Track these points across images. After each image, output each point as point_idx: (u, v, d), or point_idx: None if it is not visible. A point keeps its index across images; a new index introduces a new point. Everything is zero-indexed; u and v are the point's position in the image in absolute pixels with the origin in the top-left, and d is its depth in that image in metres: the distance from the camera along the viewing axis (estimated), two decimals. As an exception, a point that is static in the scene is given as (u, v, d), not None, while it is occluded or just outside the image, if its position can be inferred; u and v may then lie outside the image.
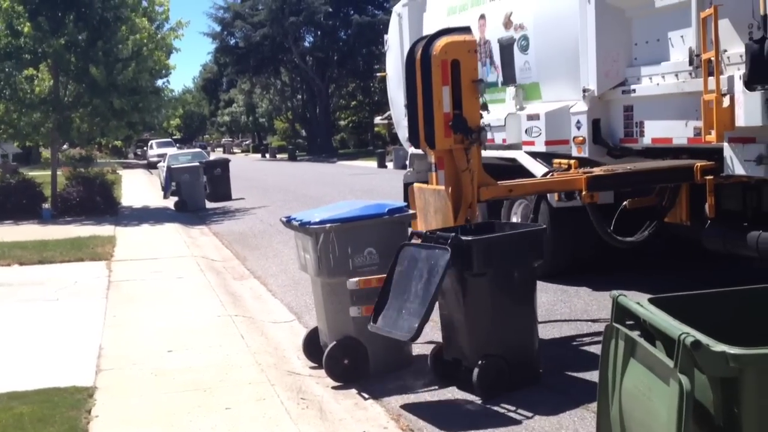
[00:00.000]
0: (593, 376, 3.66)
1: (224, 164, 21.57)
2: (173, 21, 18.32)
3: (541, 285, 7.63)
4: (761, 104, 5.10)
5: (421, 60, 5.61)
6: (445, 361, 4.95)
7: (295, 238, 5.55)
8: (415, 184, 6.51)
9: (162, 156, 30.82)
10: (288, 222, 5.44)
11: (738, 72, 5.32)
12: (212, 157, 28.48)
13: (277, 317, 7.22)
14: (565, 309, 6.84)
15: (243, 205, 18.99)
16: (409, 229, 5.52)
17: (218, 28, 53.85)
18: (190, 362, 5.50)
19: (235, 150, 76.06)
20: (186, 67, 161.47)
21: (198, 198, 19.02)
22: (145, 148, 54.77)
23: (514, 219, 8.40)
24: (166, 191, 20.54)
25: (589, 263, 7.85)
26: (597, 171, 6.35)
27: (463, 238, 4.67)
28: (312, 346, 5.56)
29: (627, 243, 6.63)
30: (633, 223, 6.74)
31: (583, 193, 6.14)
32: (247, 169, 37.53)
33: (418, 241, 4.93)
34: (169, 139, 52.68)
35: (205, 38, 54.76)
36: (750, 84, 5.10)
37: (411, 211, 5.67)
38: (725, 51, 5.53)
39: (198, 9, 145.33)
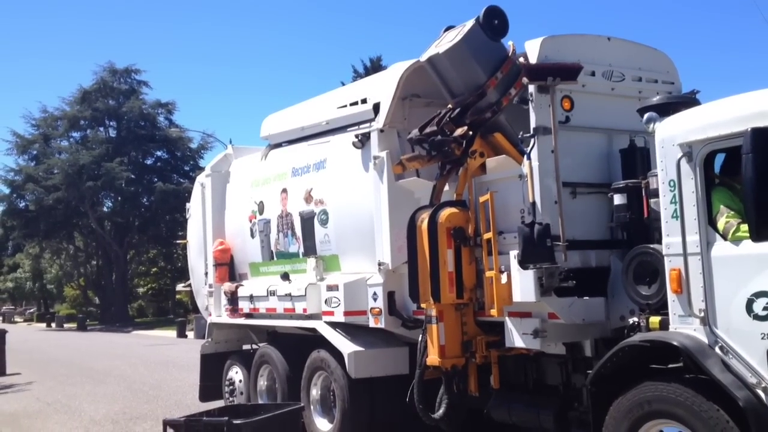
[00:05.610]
0: None
1: None
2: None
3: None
4: (534, 281, 5.58)
5: (428, 227, 6.29)
6: None
7: None
8: None
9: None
10: None
11: (513, 252, 5.83)
12: (-13, 327, 25.90)
13: None
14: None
15: (18, 381, 17.09)
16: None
17: (7, 191, 50.56)
18: None
19: (17, 319, 69.30)
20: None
21: (-35, 374, 16.89)
22: None
23: (314, 391, 8.26)
24: (-75, 367, 18.04)
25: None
26: None
27: (235, 422, 4.51)
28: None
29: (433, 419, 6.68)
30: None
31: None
32: (28, 340, 34.14)
33: None
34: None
35: (-9, 200, 50.68)
36: (523, 263, 5.59)
37: None
38: (501, 232, 6.08)
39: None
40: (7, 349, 19.47)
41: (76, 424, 10.78)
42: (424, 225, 6.39)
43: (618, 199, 5.64)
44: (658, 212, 5.08)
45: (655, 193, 5.17)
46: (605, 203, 6.00)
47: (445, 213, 6.34)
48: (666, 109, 5.28)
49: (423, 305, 6.54)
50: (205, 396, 10.44)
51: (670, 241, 4.90)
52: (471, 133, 6.26)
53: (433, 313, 6.36)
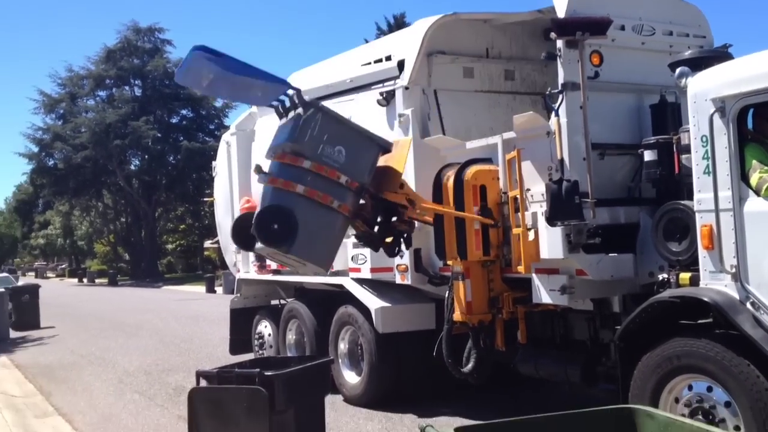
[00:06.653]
0: None
1: (33, 290, 20.07)
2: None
3: (366, 413, 7.65)
4: (562, 238, 5.57)
5: (454, 185, 6.29)
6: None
7: None
8: None
9: (-38, 282, 27.99)
10: None
11: (540, 209, 5.81)
12: (21, 282, 26.60)
13: (82, 461, 6.57)
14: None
15: (52, 334, 17.57)
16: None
17: (36, 149, 51.20)
18: None
19: (49, 274, 71.04)
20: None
21: (1, 327, 17.39)
22: (-57, 273, 49.61)
23: (342, 345, 8.39)
24: (-37, 321, 18.55)
25: (417, 388, 7.94)
26: None
27: (266, 373, 4.62)
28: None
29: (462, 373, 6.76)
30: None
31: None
32: (61, 294, 34.98)
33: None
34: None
35: (21, 158, 51.53)
36: (551, 220, 5.57)
37: None
38: (528, 190, 6.05)
39: (14, 129, 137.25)
40: (40, 303, 19.95)
41: (110, 376, 11.08)
42: (450, 182, 6.38)
43: (648, 155, 5.57)
44: (689, 168, 5.03)
45: (686, 149, 5.10)
46: (633, 164, 5.93)
47: (472, 170, 6.31)
48: (698, 63, 5.17)
49: (449, 262, 6.57)
50: (235, 349, 10.65)
51: (701, 197, 4.85)
52: (382, 201, 6.26)
53: (460, 269, 6.40)
